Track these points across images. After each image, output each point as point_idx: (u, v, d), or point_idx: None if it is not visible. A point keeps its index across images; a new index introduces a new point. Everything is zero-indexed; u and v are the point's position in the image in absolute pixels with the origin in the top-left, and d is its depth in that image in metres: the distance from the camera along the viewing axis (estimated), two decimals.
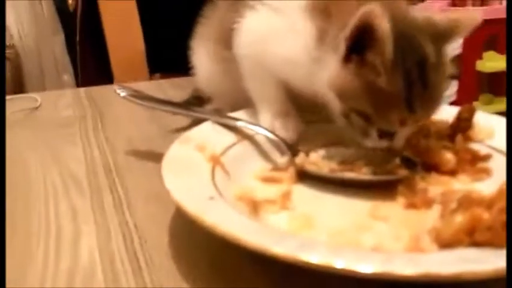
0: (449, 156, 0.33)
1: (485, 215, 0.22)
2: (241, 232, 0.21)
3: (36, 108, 0.62)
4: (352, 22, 0.29)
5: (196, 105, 0.53)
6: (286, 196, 0.30)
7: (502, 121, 0.36)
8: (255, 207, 0.29)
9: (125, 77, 1.07)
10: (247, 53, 0.37)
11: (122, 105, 0.57)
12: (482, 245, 0.21)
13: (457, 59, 2.58)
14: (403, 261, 0.20)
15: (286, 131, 0.36)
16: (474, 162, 0.33)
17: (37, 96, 0.66)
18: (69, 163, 0.44)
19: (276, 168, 0.34)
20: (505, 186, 0.26)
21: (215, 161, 0.32)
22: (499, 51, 2.39)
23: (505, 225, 0.21)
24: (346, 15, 0.30)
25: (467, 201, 0.25)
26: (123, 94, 0.42)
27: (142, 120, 0.52)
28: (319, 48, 0.32)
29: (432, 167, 0.33)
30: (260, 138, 0.37)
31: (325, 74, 0.32)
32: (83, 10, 1.38)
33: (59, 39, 1.82)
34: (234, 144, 0.36)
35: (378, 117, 0.30)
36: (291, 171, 0.33)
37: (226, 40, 0.40)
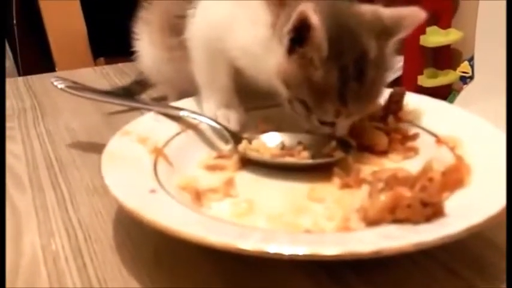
0: (381, 137, 0.35)
1: (407, 193, 0.24)
2: (181, 225, 0.22)
3: None
4: (292, 19, 0.30)
5: (139, 92, 0.52)
6: (229, 183, 0.31)
7: (430, 101, 0.38)
8: (198, 196, 0.29)
9: (67, 62, 1.02)
10: (201, 40, 0.37)
11: (63, 95, 0.55)
12: (403, 222, 0.23)
13: None
14: (330, 242, 0.21)
15: (228, 122, 0.36)
16: (404, 142, 0.35)
17: None
18: (8, 158, 0.42)
19: (221, 155, 0.35)
20: (428, 165, 0.28)
21: (158, 152, 0.32)
22: (442, 26, 2.50)
23: (424, 203, 0.23)
24: (294, 7, 0.31)
25: (393, 181, 0.28)
26: (60, 86, 0.41)
27: (84, 110, 0.51)
28: (271, 36, 0.33)
29: (366, 148, 0.35)
30: (204, 127, 0.37)
31: (274, 62, 0.33)
32: None
33: None
34: (177, 134, 0.36)
35: (315, 107, 0.32)
36: (234, 158, 0.34)
37: (173, 28, 0.39)
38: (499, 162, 0.28)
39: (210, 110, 0.37)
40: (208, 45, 0.37)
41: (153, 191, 0.27)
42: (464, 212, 0.23)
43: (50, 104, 0.56)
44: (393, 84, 0.36)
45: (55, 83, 0.41)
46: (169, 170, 0.32)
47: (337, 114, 0.32)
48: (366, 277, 0.24)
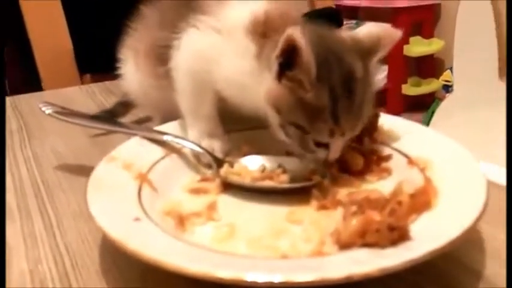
0: (358, 158, 0.37)
1: (376, 218, 0.26)
2: (163, 255, 0.23)
3: None
4: (280, 43, 0.32)
5: (123, 113, 0.53)
6: (211, 207, 0.33)
7: (403, 123, 0.40)
8: (181, 221, 0.31)
9: (54, 78, 1.03)
10: (186, 71, 0.38)
11: (49, 116, 0.57)
12: (372, 246, 0.24)
13: None
14: (304, 268, 0.23)
15: (212, 151, 0.38)
16: (379, 163, 0.37)
17: None
18: None
19: (204, 178, 0.37)
20: (398, 187, 0.30)
21: (142, 178, 0.34)
22: (425, 36, 2.54)
23: (391, 227, 0.24)
24: (280, 36, 0.32)
25: (366, 203, 0.29)
26: (48, 111, 0.42)
27: (70, 132, 0.52)
28: (258, 66, 0.35)
29: (343, 168, 0.37)
30: (187, 151, 0.38)
31: (264, 90, 0.34)
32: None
33: None
34: (162, 158, 0.37)
35: (310, 128, 0.33)
36: (217, 182, 0.35)
37: (158, 56, 0.41)
38: (466, 185, 0.30)
39: (195, 138, 0.39)
40: (193, 76, 0.38)
41: (137, 219, 0.28)
42: (429, 235, 0.25)
43: (36, 126, 0.57)
44: (377, 93, 0.37)
45: (43, 108, 0.42)
46: (154, 195, 0.33)
47: (332, 133, 0.33)
48: None
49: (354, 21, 2.49)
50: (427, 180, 0.31)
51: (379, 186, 0.34)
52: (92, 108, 0.65)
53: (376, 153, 0.37)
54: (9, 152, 0.50)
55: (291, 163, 0.36)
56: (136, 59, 0.45)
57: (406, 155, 0.36)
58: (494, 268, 0.27)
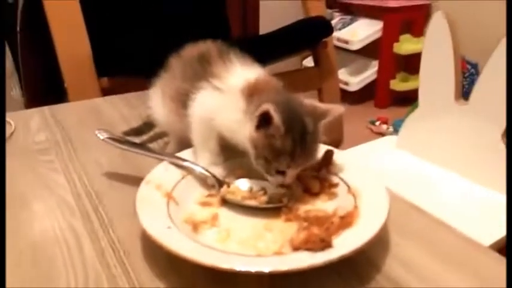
0: (316, 183, 0.53)
1: (316, 231, 0.42)
2: (185, 251, 0.40)
3: (12, 133, 0.75)
4: (258, 111, 0.48)
5: (147, 131, 0.70)
6: (214, 217, 0.49)
7: (350, 159, 0.56)
8: (195, 227, 0.48)
9: (75, 84, 1.17)
10: (198, 118, 0.55)
11: (86, 128, 0.74)
12: (310, 250, 0.41)
13: (377, 42, 2.84)
14: (270, 263, 0.40)
15: (215, 175, 0.54)
16: (330, 188, 0.53)
17: (9, 118, 0.79)
18: (57, 190, 0.59)
19: (210, 194, 0.53)
20: (334, 211, 0.47)
21: (168, 196, 0.50)
22: (414, 35, 2.66)
23: (322, 239, 0.41)
24: (262, 97, 0.50)
25: (314, 220, 0.46)
26: (102, 137, 0.58)
27: (105, 146, 0.67)
28: (244, 117, 0.51)
29: (305, 190, 0.53)
30: (198, 174, 0.55)
31: (247, 133, 0.51)
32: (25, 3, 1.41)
33: None
34: (182, 179, 0.54)
35: (274, 161, 0.50)
36: (218, 198, 0.52)
37: (181, 101, 0.57)
38: (376, 210, 0.46)
39: (204, 164, 0.55)
40: (202, 122, 0.55)
41: (169, 227, 0.45)
42: (346, 244, 0.42)
43: (77, 138, 0.73)
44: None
45: (98, 135, 0.58)
46: (176, 208, 0.49)
47: (288, 165, 0.50)
48: (297, 281, 0.42)
49: (349, 17, 2.61)
50: (355, 207, 0.48)
51: (327, 205, 0.51)
52: (117, 119, 0.81)
53: (328, 180, 0.54)
54: (61, 163, 0.66)
55: (270, 187, 0.52)
56: (164, 98, 0.61)
57: (347, 185, 0.52)
58: (394, 265, 0.44)
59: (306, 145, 0.49)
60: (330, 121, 0.51)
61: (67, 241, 0.49)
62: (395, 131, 2.18)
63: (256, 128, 0.50)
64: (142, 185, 0.51)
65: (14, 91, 1.91)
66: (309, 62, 2.39)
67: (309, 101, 0.52)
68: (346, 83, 2.48)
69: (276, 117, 0.47)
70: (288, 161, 0.49)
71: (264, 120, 0.48)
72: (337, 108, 0.52)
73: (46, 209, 0.55)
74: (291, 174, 0.51)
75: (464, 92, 1.05)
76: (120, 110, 0.85)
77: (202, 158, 0.56)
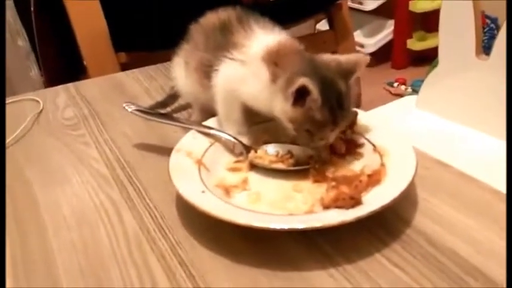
0: (342, 144, 0.54)
1: (345, 190, 0.44)
2: (219, 212, 0.42)
3: (41, 111, 0.77)
4: (295, 85, 0.47)
5: (172, 103, 0.71)
6: (244, 181, 0.51)
7: (374, 119, 0.57)
8: (227, 191, 0.49)
9: (94, 59, 1.19)
10: (222, 88, 0.56)
11: (110, 102, 0.75)
12: (340, 208, 0.43)
13: (392, 0, 2.75)
14: (303, 220, 0.42)
15: (242, 141, 0.55)
16: (355, 148, 0.54)
17: (36, 97, 0.81)
18: (92, 162, 0.62)
19: (238, 160, 0.55)
20: (362, 170, 0.48)
21: (199, 162, 0.52)
22: None
23: (351, 197, 0.43)
24: (287, 65, 0.49)
25: (342, 179, 0.47)
26: (130, 110, 0.60)
27: (131, 118, 0.66)
28: (272, 86, 0.51)
29: (332, 152, 0.54)
30: (226, 141, 0.56)
31: (277, 104, 0.51)
32: None
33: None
34: (210, 146, 0.55)
35: (317, 132, 0.50)
36: (246, 163, 0.54)
37: (204, 72, 0.58)
38: (403, 166, 0.47)
39: (230, 132, 0.56)
40: (227, 93, 0.55)
41: (203, 191, 0.47)
42: (375, 200, 0.43)
43: (103, 112, 0.75)
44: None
45: (126, 107, 0.60)
46: (208, 173, 0.51)
47: (332, 131, 0.50)
48: (329, 238, 0.44)
49: None
50: (382, 165, 0.49)
51: (354, 165, 0.52)
52: (140, 92, 0.83)
53: (354, 141, 0.55)
54: (92, 137, 0.68)
55: (296, 149, 0.54)
56: (187, 70, 0.62)
57: (373, 144, 0.53)
58: (424, 220, 0.45)
59: (343, 107, 0.50)
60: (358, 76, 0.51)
61: (106, 210, 0.52)
62: (414, 91, 2.14)
63: (293, 104, 0.49)
64: (173, 153, 0.53)
65: (32, 71, 1.94)
66: (322, 25, 2.35)
67: (330, 57, 0.52)
68: (361, 45, 2.43)
69: (314, 91, 0.47)
70: (331, 128, 0.50)
71: (300, 95, 0.48)
72: (362, 59, 0.51)
73: (83, 180, 0.58)
74: (333, 136, 0.51)
75: (484, 47, 1.03)
76: (141, 83, 0.86)
77: (228, 128, 0.57)
